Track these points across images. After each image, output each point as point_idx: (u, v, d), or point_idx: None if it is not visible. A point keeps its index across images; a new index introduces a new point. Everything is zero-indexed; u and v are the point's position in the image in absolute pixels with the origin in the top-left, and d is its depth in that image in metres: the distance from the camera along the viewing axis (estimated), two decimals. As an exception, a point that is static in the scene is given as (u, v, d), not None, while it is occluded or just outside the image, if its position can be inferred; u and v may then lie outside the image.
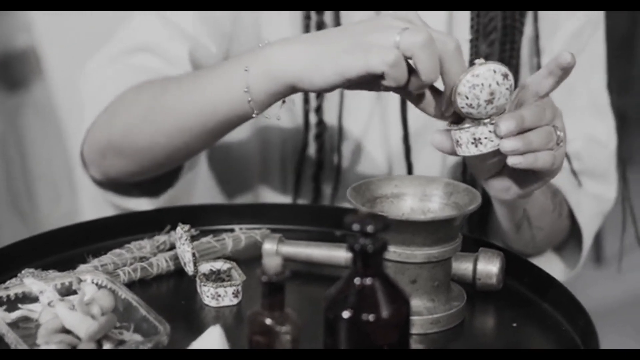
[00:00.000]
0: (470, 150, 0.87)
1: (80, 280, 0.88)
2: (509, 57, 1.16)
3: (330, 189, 1.20)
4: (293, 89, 0.93)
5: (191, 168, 1.15)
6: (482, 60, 0.86)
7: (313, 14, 1.14)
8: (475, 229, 1.24)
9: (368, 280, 0.71)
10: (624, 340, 2.19)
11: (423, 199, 0.92)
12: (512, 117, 0.85)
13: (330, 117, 1.17)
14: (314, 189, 1.20)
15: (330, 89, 0.90)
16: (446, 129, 0.88)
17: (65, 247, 1.00)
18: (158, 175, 1.12)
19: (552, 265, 1.22)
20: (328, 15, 1.15)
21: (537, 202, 1.05)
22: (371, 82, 0.89)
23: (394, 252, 0.86)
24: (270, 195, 1.23)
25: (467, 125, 0.86)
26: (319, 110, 1.16)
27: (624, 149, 1.23)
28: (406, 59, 0.87)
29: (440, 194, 0.91)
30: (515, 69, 1.16)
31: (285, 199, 1.23)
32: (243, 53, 0.96)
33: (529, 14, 1.16)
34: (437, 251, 0.86)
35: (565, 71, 0.88)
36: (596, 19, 1.20)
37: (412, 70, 0.88)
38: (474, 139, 0.86)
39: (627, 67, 3.28)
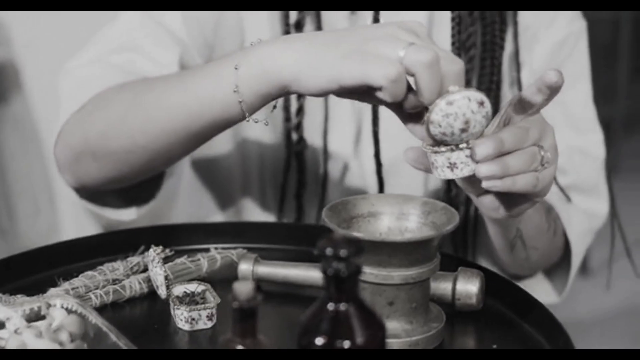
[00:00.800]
0: (446, 174, 0.84)
1: (49, 305, 0.85)
2: (489, 73, 1.14)
3: (316, 207, 1.18)
4: (285, 91, 0.88)
5: (172, 174, 1.11)
6: (455, 88, 0.82)
7: (292, 30, 1.12)
8: (460, 247, 1.23)
9: (342, 306, 0.69)
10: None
11: (400, 217, 0.90)
12: (490, 141, 0.82)
13: (313, 135, 1.15)
14: (297, 207, 1.18)
15: (323, 94, 0.86)
16: (422, 148, 0.86)
17: (35, 270, 0.98)
18: (140, 184, 1.07)
19: (540, 287, 1.19)
20: (309, 24, 1.12)
21: (531, 221, 1.03)
22: (365, 93, 0.85)
23: (370, 273, 0.84)
24: (254, 214, 1.21)
25: (442, 148, 0.84)
26: (298, 127, 1.14)
27: (609, 159, 1.22)
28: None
29: (418, 212, 0.89)
30: (496, 85, 1.15)
31: (269, 217, 1.21)
32: (233, 52, 0.91)
33: (509, 29, 1.15)
34: (414, 272, 0.84)
35: (552, 90, 0.85)
36: (578, 30, 1.18)
37: (410, 88, 0.84)
38: (450, 163, 0.84)
39: (611, 76, 3.28)
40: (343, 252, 0.68)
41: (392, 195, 0.90)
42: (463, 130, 0.82)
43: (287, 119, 1.14)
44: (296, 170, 1.16)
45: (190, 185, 1.26)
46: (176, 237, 1.05)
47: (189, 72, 0.96)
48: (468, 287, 0.91)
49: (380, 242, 0.82)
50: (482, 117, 0.82)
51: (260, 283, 0.98)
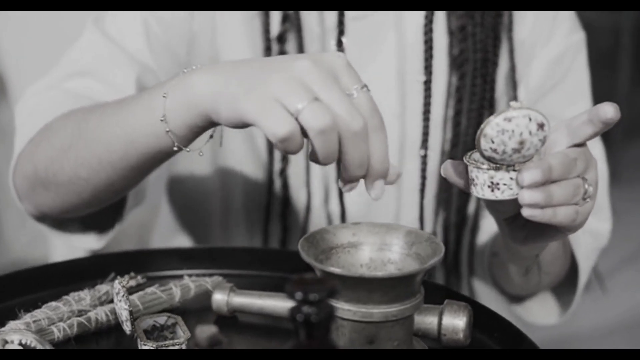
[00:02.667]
0: (485, 194, 0.79)
1: (5, 342, 0.80)
2: (481, 90, 1.09)
3: (300, 228, 1.13)
4: (210, 121, 0.82)
5: (137, 204, 1.07)
6: (518, 104, 0.76)
7: (274, 44, 1.07)
8: (453, 271, 1.17)
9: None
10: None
11: (383, 248, 0.84)
12: (539, 167, 0.77)
13: (296, 182, 1.11)
14: (282, 228, 1.13)
15: (241, 126, 0.79)
16: (465, 161, 0.80)
17: (-4, 300, 0.92)
18: (102, 210, 1.03)
19: (546, 306, 1.14)
20: (291, 45, 1.08)
21: (551, 249, 0.98)
22: None
23: (349, 310, 0.78)
24: (238, 237, 1.16)
25: (486, 166, 0.78)
26: (282, 173, 1.10)
27: (608, 167, 1.16)
28: None
29: (401, 243, 0.84)
30: (490, 103, 1.10)
31: (254, 239, 1.16)
32: (169, 79, 0.86)
33: (504, 46, 1.10)
34: (396, 309, 0.79)
35: (606, 125, 0.79)
36: (576, 43, 1.13)
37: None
38: (492, 182, 0.78)
39: (610, 84, 3.22)
40: (314, 296, 0.62)
41: (374, 224, 0.85)
42: (515, 151, 0.77)
43: (270, 162, 1.10)
44: (280, 188, 1.11)
45: (169, 216, 1.22)
46: (149, 263, 1.00)
47: (124, 102, 0.91)
48: (455, 321, 0.85)
49: (358, 278, 0.77)
50: (538, 140, 0.77)
51: (236, 314, 0.93)
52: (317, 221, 1.13)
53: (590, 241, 1.12)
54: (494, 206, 0.85)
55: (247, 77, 0.78)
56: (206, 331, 0.64)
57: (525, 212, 0.78)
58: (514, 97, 1.10)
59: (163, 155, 0.89)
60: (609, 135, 3.18)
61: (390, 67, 1.09)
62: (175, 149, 0.86)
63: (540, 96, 1.12)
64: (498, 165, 0.78)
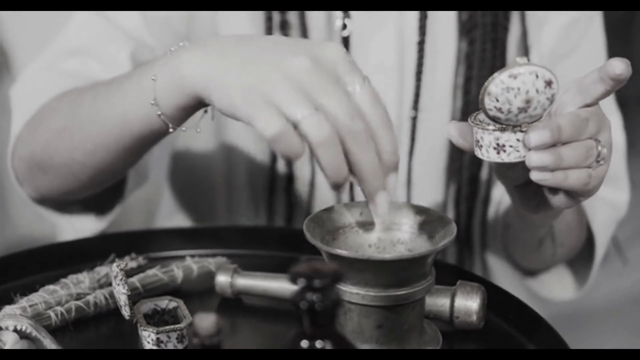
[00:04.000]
0: (491, 156, 0.75)
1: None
2: (491, 57, 1.05)
3: (305, 204, 1.10)
4: (202, 102, 0.79)
5: (139, 184, 1.05)
6: (524, 59, 0.72)
7: (275, 13, 1.03)
8: (465, 247, 1.14)
9: (318, 344, 0.60)
10: (631, 339, 2.10)
11: (391, 228, 0.80)
12: (547, 128, 0.73)
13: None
14: (287, 204, 1.10)
15: (231, 116, 0.75)
16: (469, 122, 0.76)
17: (-9, 284, 0.89)
18: (103, 191, 1.00)
19: (562, 281, 1.11)
20: (292, 15, 1.04)
21: (566, 218, 0.94)
22: None
23: (357, 293, 0.75)
24: (243, 214, 1.13)
25: (492, 126, 0.74)
26: None
27: (626, 137, 1.12)
28: None
29: (411, 222, 0.80)
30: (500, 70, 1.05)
31: (259, 217, 1.13)
32: (158, 58, 0.83)
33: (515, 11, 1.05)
34: (406, 292, 0.75)
35: (616, 82, 0.75)
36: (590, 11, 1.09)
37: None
38: (497, 144, 0.75)
39: (626, 52, 3.16)
40: (318, 282, 0.59)
41: (383, 202, 0.81)
42: (521, 110, 0.73)
43: None
44: (285, 163, 1.08)
45: (171, 197, 1.19)
46: (151, 244, 0.96)
47: (116, 82, 0.88)
48: (468, 303, 0.82)
49: (366, 260, 0.73)
50: (546, 98, 0.73)
51: (241, 296, 0.89)
52: (321, 197, 1.09)
53: (607, 212, 1.08)
54: (503, 173, 0.81)
55: (241, 65, 0.74)
56: (205, 319, 0.61)
57: (534, 176, 0.74)
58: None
59: (158, 136, 0.86)
60: (626, 106, 3.13)
61: (389, 29, 1.04)
62: (170, 130, 0.83)
63: (554, 62, 1.08)
64: (504, 126, 0.74)
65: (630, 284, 2.42)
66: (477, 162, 1.08)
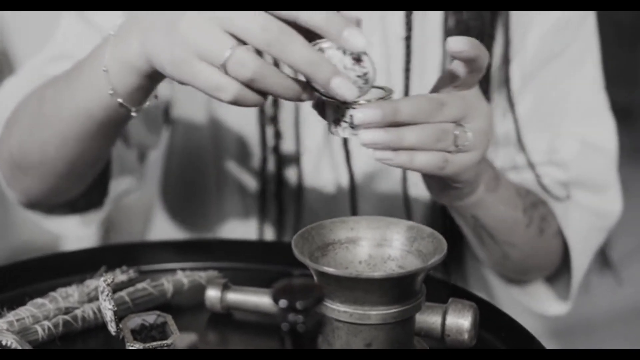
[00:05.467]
0: (332, 130, 0.76)
1: (-16, 344, 0.76)
2: None
3: (293, 208, 1.09)
4: (157, 77, 0.80)
5: (131, 189, 1.06)
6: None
7: None
8: (456, 258, 1.13)
9: (299, 364, 0.59)
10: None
11: (382, 244, 0.79)
12: (378, 107, 0.73)
13: (287, 129, 1.06)
14: (277, 206, 1.09)
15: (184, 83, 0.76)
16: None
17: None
18: (88, 193, 1.02)
19: (541, 295, 1.10)
20: None
21: (494, 211, 0.92)
22: None
23: (345, 311, 0.74)
24: (234, 219, 1.12)
25: (332, 100, 0.74)
26: (274, 120, 1.05)
27: (630, 147, 1.10)
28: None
29: (402, 239, 0.79)
30: (485, 80, 1.04)
31: (249, 220, 1.12)
32: (103, 43, 0.83)
33: (500, 18, 1.03)
34: (395, 310, 0.74)
35: (467, 61, 0.75)
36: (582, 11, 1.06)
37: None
38: (335, 118, 0.75)
39: (631, 58, 3.13)
40: (300, 304, 0.58)
41: (374, 218, 0.80)
42: None
43: (261, 110, 1.05)
44: (275, 166, 1.07)
45: (162, 203, 1.19)
46: (143, 256, 0.96)
47: (73, 73, 0.88)
48: (459, 321, 0.80)
49: (354, 278, 0.72)
50: (356, 76, 0.72)
51: (231, 311, 0.89)
52: (309, 202, 1.08)
53: (588, 219, 1.06)
54: None
55: (166, 30, 0.75)
56: (185, 339, 0.60)
57: (376, 155, 0.74)
58: (505, 74, 1.04)
59: (124, 119, 0.87)
60: (631, 112, 3.10)
61: (374, 23, 1.03)
62: (133, 114, 0.84)
63: (542, 63, 1.05)
64: (341, 101, 0.74)
65: (632, 295, 2.41)
66: None
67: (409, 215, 1.08)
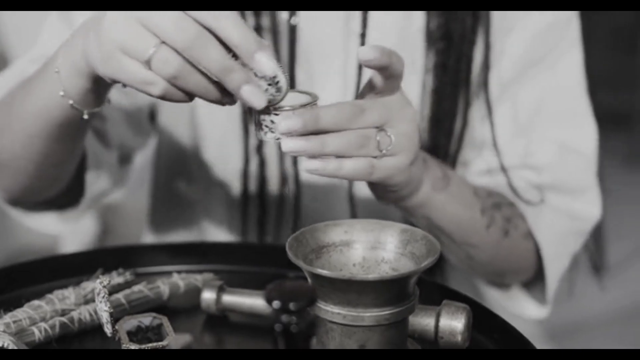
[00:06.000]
0: (256, 133, 0.78)
1: (-19, 345, 0.77)
2: (454, 70, 1.04)
3: (274, 210, 1.09)
4: (102, 81, 0.81)
5: (113, 188, 1.08)
6: None
7: (249, 16, 1.03)
8: (448, 265, 1.13)
9: (292, 365, 0.60)
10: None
11: (376, 246, 0.80)
12: (299, 115, 0.74)
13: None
14: (259, 205, 1.09)
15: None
16: None
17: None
18: (65, 191, 1.03)
19: (519, 299, 1.09)
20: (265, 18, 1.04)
21: (447, 212, 0.93)
22: None
23: (339, 313, 0.74)
24: (218, 221, 1.13)
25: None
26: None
27: (628, 152, 1.11)
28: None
29: (396, 242, 0.80)
30: (465, 83, 1.04)
31: (233, 222, 1.12)
32: (62, 45, 0.84)
33: (481, 24, 1.03)
34: (388, 312, 0.75)
35: (377, 69, 0.76)
36: (566, 16, 1.06)
37: None
38: (258, 121, 0.76)
39: (631, 62, 3.13)
40: (293, 305, 0.59)
41: (368, 221, 0.81)
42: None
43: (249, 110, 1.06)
44: (257, 166, 1.08)
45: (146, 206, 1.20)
46: (139, 259, 0.96)
47: (34, 76, 0.90)
48: (453, 323, 0.81)
49: (347, 280, 0.73)
50: (267, 84, 0.74)
51: (227, 313, 0.89)
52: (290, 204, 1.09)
53: (562, 222, 1.06)
54: None
55: (96, 41, 0.76)
56: (180, 340, 0.61)
57: (305, 166, 0.76)
58: (484, 79, 1.04)
59: (82, 120, 0.87)
60: (630, 116, 3.09)
61: (335, 23, 1.04)
62: (85, 116, 0.85)
63: (522, 70, 1.05)
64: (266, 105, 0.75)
65: (627, 297, 2.41)
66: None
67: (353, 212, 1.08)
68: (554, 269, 1.06)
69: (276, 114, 0.75)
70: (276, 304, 0.58)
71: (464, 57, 1.04)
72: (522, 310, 1.10)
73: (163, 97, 0.75)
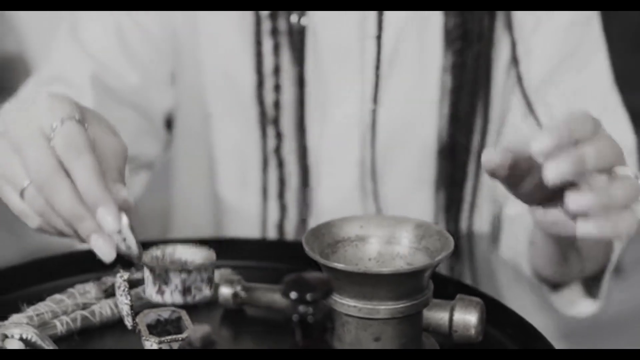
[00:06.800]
0: (175, 299, 0.76)
1: (5, 337, 0.78)
2: (473, 68, 1.04)
3: (296, 208, 1.11)
4: None
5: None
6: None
7: (266, 35, 1.05)
8: (466, 261, 1.14)
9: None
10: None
11: (391, 241, 0.82)
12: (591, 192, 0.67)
13: (288, 130, 1.08)
14: (280, 207, 1.11)
15: None
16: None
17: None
18: None
19: (573, 295, 1.08)
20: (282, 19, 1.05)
21: None
22: None
23: (354, 306, 0.76)
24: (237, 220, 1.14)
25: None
26: (276, 122, 1.07)
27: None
28: None
29: (410, 237, 0.81)
30: (485, 82, 1.05)
31: (253, 218, 1.14)
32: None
33: (500, 20, 1.04)
34: (403, 306, 0.76)
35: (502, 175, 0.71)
36: (585, 15, 1.07)
37: None
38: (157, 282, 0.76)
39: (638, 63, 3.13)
40: (310, 295, 0.60)
41: (383, 216, 0.83)
42: None
43: (263, 113, 1.07)
44: (276, 167, 1.09)
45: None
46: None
47: None
48: (466, 317, 0.82)
49: (363, 274, 0.74)
50: (122, 239, 0.73)
51: (244, 308, 0.91)
52: (313, 202, 1.10)
53: None
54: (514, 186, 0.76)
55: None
56: (199, 331, 0.62)
57: (580, 230, 0.68)
58: (517, 74, 1.05)
59: None
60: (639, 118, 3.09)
61: (351, 24, 1.05)
62: None
63: (554, 66, 1.06)
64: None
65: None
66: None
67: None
68: (610, 269, 1.03)
69: (184, 273, 0.74)
70: (293, 295, 0.60)
71: (482, 56, 1.05)
72: (572, 307, 1.07)
73: (40, 230, 0.75)
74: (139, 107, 1.09)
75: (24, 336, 0.79)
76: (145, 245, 0.81)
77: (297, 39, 1.05)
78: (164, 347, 0.81)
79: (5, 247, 2.12)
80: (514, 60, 1.05)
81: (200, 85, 1.10)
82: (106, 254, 0.71)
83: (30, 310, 0.86)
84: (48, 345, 0.78)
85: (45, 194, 0.71)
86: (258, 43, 1.05)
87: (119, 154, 0.75)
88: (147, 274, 0.75)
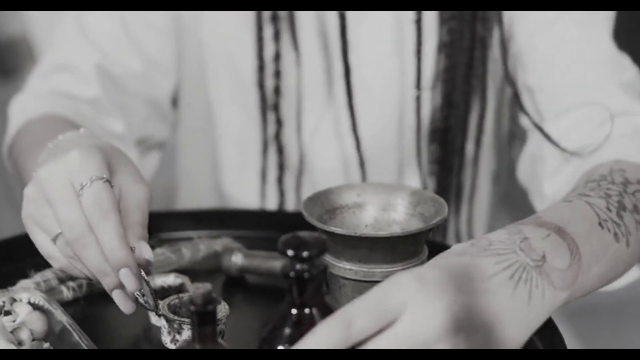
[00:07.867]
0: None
1: (13, 300, 0.81)
2: (468, 49, 1.05)
3: (294, 192, 1.13)
4: None
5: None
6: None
7: (267, 21, 1.07)
8: (453, 215, 1.14)
9: (306, 311, 0.64)
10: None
11: (387, 208, 0.84)
12: None
13: (289, 114, 1.10)
14: (279, 192, 1.13)
15: None
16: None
17: (8, 260, 0.93)
18: None
19: None
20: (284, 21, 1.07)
21: (592, 279, 0.79)
22: None
23: (351, 269, 0.78)
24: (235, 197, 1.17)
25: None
26: (276, 108, 1.09)
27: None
28: None
29: (405, 203, 0.84)
30: (481, 65, 1.06)
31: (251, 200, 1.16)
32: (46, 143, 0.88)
33: (495, 26, 1.03)
34: (399, 268, 0.79)
35: None
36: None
37: None
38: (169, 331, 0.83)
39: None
40: (306, 253, 0.63)
41: (379, 184, 0.85)
42: None
43: (263, 98, 1.09)
44: (276, 152, 1.11)
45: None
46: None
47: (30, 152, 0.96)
48: (460, 282, 0.85)
49: (359, 237, 0.77)
50: (141, 295, 0.81)
51: (245, 275, 0.93)
52: (311, 180, 1.13)
53: None
54: None
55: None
56: (201, 290, 0.65)
57: None
58: (506, 73, 1.03)
59: None
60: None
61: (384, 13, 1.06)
62: None
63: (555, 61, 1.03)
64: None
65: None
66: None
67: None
68: None
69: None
70: (290, 252, 0.62)
71: (477, 37, 1.05)
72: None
73: (63, 270, 0.82)
74: (144, 93, 1.11)
75: (32, 300, 0.82)
76: (155, 216, 0.84)
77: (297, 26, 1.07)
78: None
79: (13, 219, 2.15)
80: (503, 47, 1.03)
81: (202, 68, 1.12)
82: (127, 309, 0.80)
83: (38, 276, 0.88)
84: (55, 307, 0.80)
85: (74, 249, 0.78)
86: (259, 28, 1.07)
87: (142, 203, 0.82)
88: (163, 321, 0.81)
